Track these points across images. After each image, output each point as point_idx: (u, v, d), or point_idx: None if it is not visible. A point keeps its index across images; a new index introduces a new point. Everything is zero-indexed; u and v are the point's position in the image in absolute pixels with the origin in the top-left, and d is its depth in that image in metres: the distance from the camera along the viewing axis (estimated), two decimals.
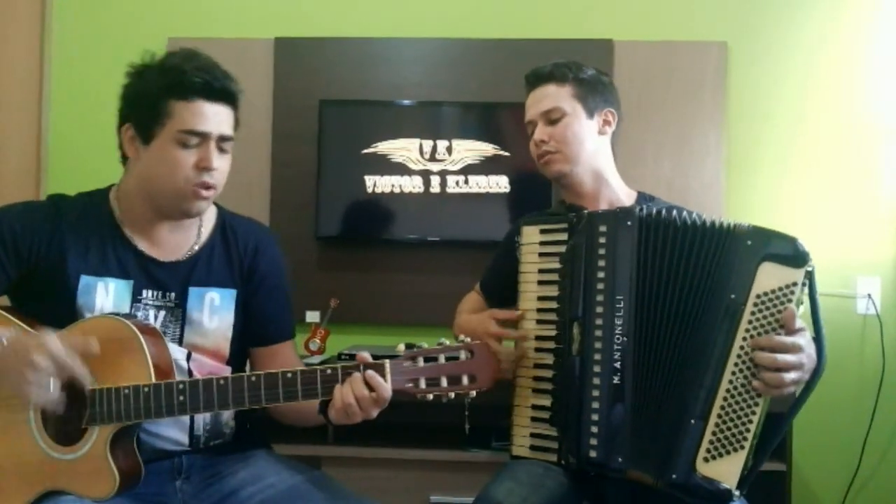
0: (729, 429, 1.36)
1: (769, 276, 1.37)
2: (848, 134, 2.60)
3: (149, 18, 2.71)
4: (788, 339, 1.35)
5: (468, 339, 1.33)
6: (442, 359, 1.32)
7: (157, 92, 1.40)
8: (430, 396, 1.31)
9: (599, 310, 1.45)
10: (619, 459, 1.42)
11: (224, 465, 1.50)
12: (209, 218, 1.55)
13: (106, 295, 1.43)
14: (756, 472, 1.38)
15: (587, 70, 1.74)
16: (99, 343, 1.31)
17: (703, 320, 1.40)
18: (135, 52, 2.66)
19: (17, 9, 2.68)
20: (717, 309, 1.39)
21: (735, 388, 1.37)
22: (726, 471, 1.35)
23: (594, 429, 1.43)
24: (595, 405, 1.43)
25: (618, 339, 1.43)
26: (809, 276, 1.37)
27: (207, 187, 1.43)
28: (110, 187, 1.54)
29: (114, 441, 1.33)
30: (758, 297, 1.37)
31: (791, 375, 1.34)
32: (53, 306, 1.41)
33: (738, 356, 1.37)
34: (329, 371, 1.32)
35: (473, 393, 1.32)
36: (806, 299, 1.39)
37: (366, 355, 1.33)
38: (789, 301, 1.36)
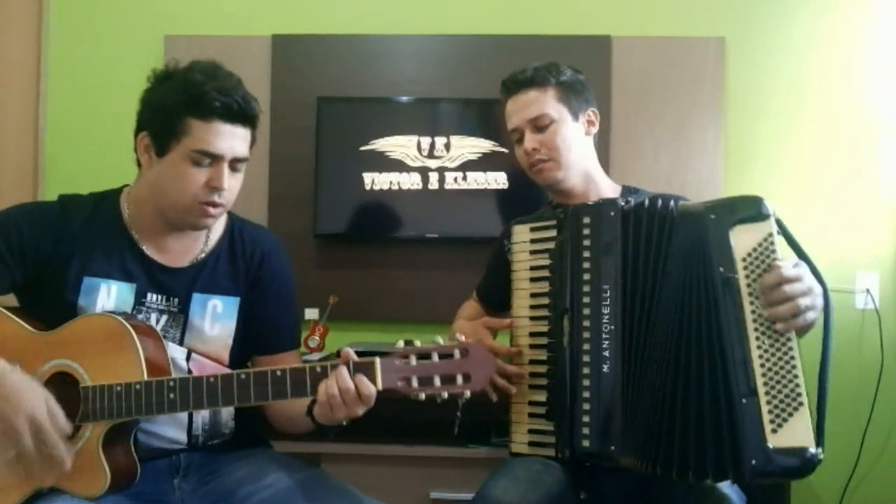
0: (780, 391, 1.32)
1: (744, 238, 1.37)
2: (846, 128, 2.60)
3: (145, 17, 2.72)
4: (790, 271, 1.34)
5: (463, 338, 1.30)
6: (435, 357, 1.28)
7: (176, 107, 1.39)
8: (423, 396, 1.27)
9: (586, 300, 1.46)
10: (612, 447, 1.41)
11: (223, 464, 1.50)
12: (218, 225, 1.56)
13: (108, 297, 1.43)
14: (823, 427, 1.34)
15: (565, 71, 1.74)
16: (92, 340, 1.34)
17: (706, 302, 1.38)
18: (132, 50, 2.71)
19: (13, 7, 2.68)
20: (715, 287, 1.38)
21: (766, 350, 1.34)
22: (799, 431, 1.31)
23: (586, 418, 1.43)
24: (586, 395, 1.43)
25: (605, 327, 1.44)
26: (779, 222, 1.39)
27: (215, 205, 1.44)
28: (122, 189, 1.54)
29: (108, 439, 1.33)
30: (744, 260, 1.37)
31: (805, 301, 1.34)
32: (55, 306, 1.41)
33: (755, 320, 1.36)
34: (319, 369, 1.31)
35: (468, 393, 1.28)
36: (785, 245, 1.40)
37: (349, 351, 1.31)
38: (773, 252, 1.36)
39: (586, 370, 1.44)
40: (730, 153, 2.61)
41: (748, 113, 2.62)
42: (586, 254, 1.48)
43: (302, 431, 1.49)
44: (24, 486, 1.33)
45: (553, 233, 1.55)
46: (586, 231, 1.48)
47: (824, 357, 1.39)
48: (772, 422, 1.31)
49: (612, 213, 1.47)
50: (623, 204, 1.48)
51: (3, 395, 1.27)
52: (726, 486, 1.44)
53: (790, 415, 1.32)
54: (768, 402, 1.32)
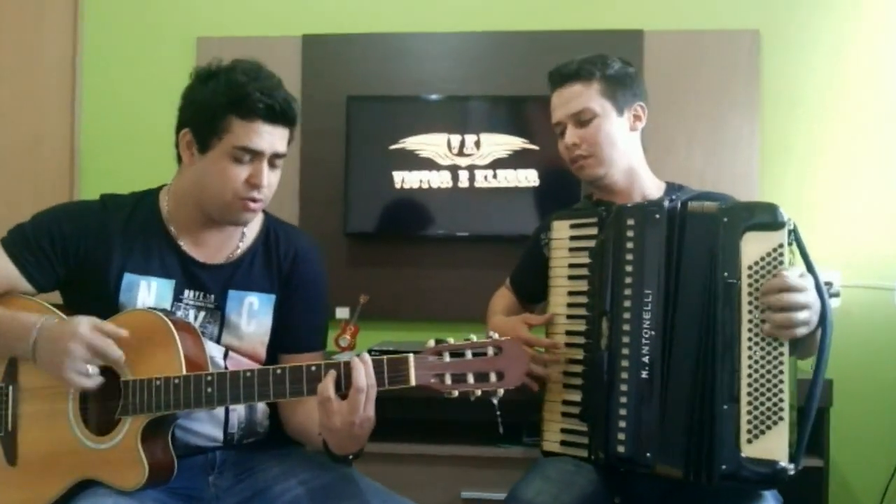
0: (763, 403, 1.34)
1: (754, 246, 1.37)
2: (885, 122, 2.54)
3: (178, 18, 2.74)
4: (795, 280, 1.33)
5: (496, 335, 1.29)
6: (469, 354, 1.27)
7: (219, 106, 1.42)
8: (456, 393, 1.27)
9: (627, 304, 1.45)
10: (648, 454, 1.41)
11: (257, 462, 1.52)
12: (255, 223, 1.58)
13: (148, 293, 1.46)
14: (804, 443, 1.35)
15: (613, 64, 1.69)
16: (134, 335, 1.35)
17: (710, 306, 1.39)
18: (165, 51, 2.74)
19: (49, 9, 2.73)
20: (716, 291, 1.38)
21: (756, 361, 1.35)
22: (773, 447, 1.32)
23: (622, 424, 1.42)
24: (623, 400, 1.43)
25: (646, 333, 1.43)
26: (792, 233, 1.37)
27: (255, 201, 1.46)
28: (161, 187, 1.57)
29: (146, 433, 1.35)
30: (749, 268, 1.37)
31: (801, 315, 1.32)
32: (96, 303, 1.44)
33: (750, 329, 1.36)
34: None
35: (501, 391, 1.27)
36: (798, 257, 1.39)
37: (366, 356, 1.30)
38: (780, 263, 1.36)
39: (624, 375, 1.43)
40: (765, 148, 2.57)
41: (784, 107, 2.57)
42: (629, 256, 1.46)
43: (314, 447, 1.48)
44: (67, 476, 1.37)
45: (593, 231, 1.54)
46: (630, 233, 1.47)
47: (816, 376, 1.38)
48: (749, 431, 1.34)
49: (658, 216, 1.46)
50: (669, 205, 1.47)
51: (46, 334, 1.35)
52: None
53: (769, 427, 1.33)
54: (749, 413, 1.34)
